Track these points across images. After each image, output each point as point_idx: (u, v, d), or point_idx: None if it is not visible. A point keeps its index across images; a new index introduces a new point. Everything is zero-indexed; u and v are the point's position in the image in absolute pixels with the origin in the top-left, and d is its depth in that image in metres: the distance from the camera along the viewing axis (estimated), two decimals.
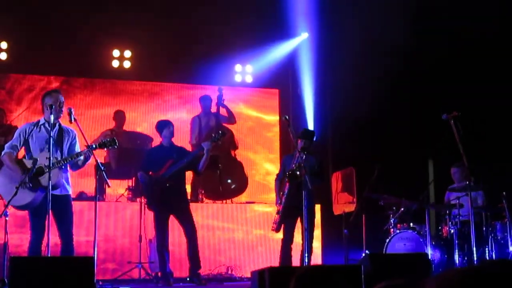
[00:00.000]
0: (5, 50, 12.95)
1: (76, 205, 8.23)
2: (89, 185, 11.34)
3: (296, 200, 9.26)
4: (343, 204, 12.14)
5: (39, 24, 12.60)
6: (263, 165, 14.13)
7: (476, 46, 12.08)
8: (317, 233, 11.44)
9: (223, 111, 12.88)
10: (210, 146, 9.63)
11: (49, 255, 7.51)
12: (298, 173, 9.34)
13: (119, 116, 12.76)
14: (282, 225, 9.72)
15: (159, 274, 9.83)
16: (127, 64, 13.43)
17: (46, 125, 8.03)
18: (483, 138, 11.79)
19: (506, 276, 2.71)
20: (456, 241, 9.86)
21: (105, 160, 12.01)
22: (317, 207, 10.99)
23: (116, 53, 13.38)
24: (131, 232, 10.93)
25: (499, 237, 10.14)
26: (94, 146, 7.87)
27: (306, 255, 9.00)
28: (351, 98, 12.42)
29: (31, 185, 7.76)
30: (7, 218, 7.67)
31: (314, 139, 9.99)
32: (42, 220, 7.75)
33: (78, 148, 8.18)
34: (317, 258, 11.38)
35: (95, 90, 13.66)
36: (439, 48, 12.30)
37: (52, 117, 7.90)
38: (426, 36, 12.38)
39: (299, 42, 13.55)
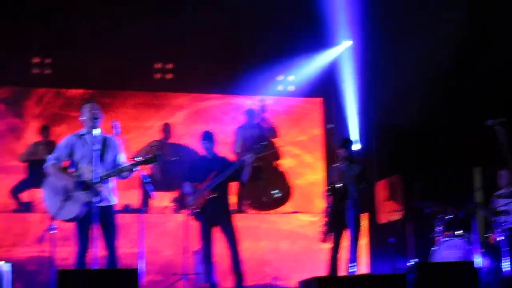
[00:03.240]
0: (49, 65, 13.12)
1: (121, 218, 8.26)
2: (134, 198, 11.40)
3: (342, 210, 9.21)
4: (389, 213, 12.04)
5: (83, 38, 12.73)
6: (307, 174, 14.06)
7: None
8: (364, 242, 11.35)
9: (265, 124, 12.86)
10: (253, 158, 9.62)
11: (94, 267, 7.55)
12: (338, 185, 9.31)
13: (167, 129, 12.84)
14: (329, 235, 9.67)
15: (205, 285, 9.82)
16: (169, 76, 13.51)
17: (89, 136, 8.10)
18: None
19: None
20: (505, 248, 9.70)
21: (150, 172, 12.07)
22: (363, 216, 10.90)
23: (158, 65, 13.46)
24: (176, 243, 10.95)
25: None
26: (136, 162, 7.90)
27: (353, 264, 8.93)
28: (396, 106, 12.33)
29: (76, 198, 7.81)
30: (53, 232, 7.72)
31: (355, 147, 9.92)
32: (88, 232, 7.81)
33: (122, 159, 8.22)
34: (363, 267, 11.29)
35: (139, 102, 13.75)
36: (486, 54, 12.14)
37: (94, 129, 7.98)
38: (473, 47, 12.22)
39: (342, 50, 13.49)
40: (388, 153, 12.92)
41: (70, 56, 12.99)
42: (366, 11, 12.45)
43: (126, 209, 11.72)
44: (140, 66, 13.36)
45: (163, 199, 11.85)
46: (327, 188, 9.75)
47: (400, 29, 12.23)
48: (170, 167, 11.89)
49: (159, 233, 11.28)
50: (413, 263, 9.59)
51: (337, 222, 9.51)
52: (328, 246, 9.76)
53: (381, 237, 11.82)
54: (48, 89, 13.55)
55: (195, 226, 9.88)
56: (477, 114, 10.27)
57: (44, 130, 12.54)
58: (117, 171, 7.97)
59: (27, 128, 13.43)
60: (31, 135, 13.25)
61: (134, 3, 12.52)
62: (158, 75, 13.54)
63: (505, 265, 9.62)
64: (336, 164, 9.64)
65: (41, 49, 13.10)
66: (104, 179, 7.89)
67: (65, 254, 9.75)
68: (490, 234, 10.42)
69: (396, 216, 11.59)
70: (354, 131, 13.08)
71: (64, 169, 8.17)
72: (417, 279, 7.40)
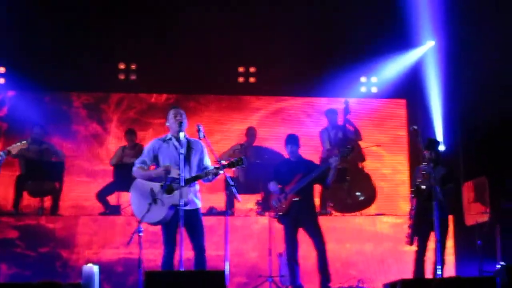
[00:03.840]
0: (135, 71, 13.38)
1: (206, 220, 8.36)
2: (219, 200, 11.50)
3: (427, 212, 9.11)
4: (476, 215, 11.83)
5: (165, 44, 12.95)
6: (392, 176, 13.96)
7: None
8: (450, 244, 11.20)
9: (349, 126, 12.81)
10: (338, 160, 9.60)
11: (182, 269, 7.66)
12: (423, 187, 9.23)
13: (251, 133, 12.88)
14: (415, 237, 9.58)
15: (290, 287, 9.84)
16: (253, 80, 13.62)
17: (174, 140, 8.23)
18: None
19: None
20: None
21: (234, 175, 12.16)
22: (450, 218, 10.75)
23: (241, 69, 13.58)
24: (261, 246, 11.00)
25: None
26: (222, 165, 7.97)
27: (439, 267, 8.82)
28: (481, 106, 12.16)
29: (162, 202, 7.95)
30: (140, 234, 7.86)
31: (441, 148, 9.80)
32: (174, 235, 7.94)
33: (207, 161, 8.32)
34: (450, 270, 11.14)
35: (222, 106, 13.90)
36: None
37: (180, 133, 8.10)
38: None
39: (426, 51, 13.35)
40: (474, 154, 12.71)
41: (155, 61, 13.22)
42: (448, 11, 12.31)
43: (211, 212, 11.83)
44: (223, 70, 13.51)
45: (247, 202, 11.91)
46: (412, 189, 9.66)
47: (482, 26, 12.04)
48: (254, 169, 11.93)
49: (244, 235, 11.34)
50: (501, 266, 9.43)
51: (423, 224, 9.42)
52: (413, 248, 9.67)
53: (468, 239, 11.63)
54: (133, 94, 13.82)
55: (279, 228, 9.92)
56: None
57: (130, 134, 12.75)
58: (203, 174, 8.06)
59: (111, 133, 13.73)
60: (115, 140, 13.55)
61: (217, 8, 12.63)
62: (241, 79, 13.66)
63: None
64: (421, 165, 9.54)
65: (126, 55, 13.36)
66: (190, 182, 7.99)
67: (152, 256, 9.92)
68: None
69: (484, 218, 11.39)
70: (439, 132, 12.93)
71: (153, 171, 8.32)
72: (505, 282, 7.27)
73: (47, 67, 12.98)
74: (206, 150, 8.34)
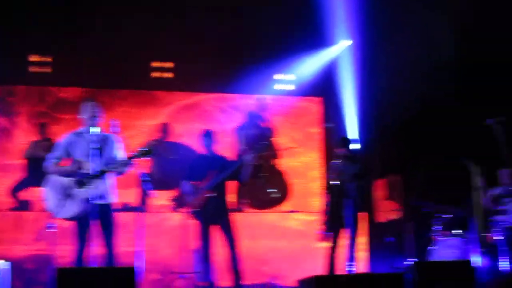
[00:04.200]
0: (49, 64, 13.14)
1: (120, 216, 8.28)
2: (133, 196, 11.40)
3: (340, 209, 9.22)
4: (388, 212, 12.05)
5: (81, 37, 12.73)
6: (306, 173, 14.06)
7: None
8: (362, 241, 11.36)
9: (264, 123, 12.86)
10: (253, 157, 9.64)
11: (93, 266, 7.58)
12: (336, 183, 9.34)
13: (165, 128, 12.82)
14: (328, 234, 9.68)
15: (203, 284, 9.82)
16: (169, 75, 13.52)
17: (87, 134, 8.13)
18: None
19: None
20: (502, 247, 9.72)
21: (149, 171, 12.08)
22: (363, 215, 10.90)
23: (157, 64, 13.47)
24: (175, 242, 10.96)
25: None
26: (131, 156, 7.94)
27: (351, 263, 8.94)
28: (396, 105, 12.35)
29: (75, 196, 7.85)
30: (52, 230, 7.74)
31: (354, 146, 9.95)
32: (87, 231, 7.84)
33: (120, 156, 8.24)
34: (362, 266, 11.30)
35: (138, 101, 13.74)
36: (484, 54, 12.14)
37: (92, 128, 8.01)
38: (472, 43, 12.23)
39: (342, 49, 13.49)
40: (387, 152, 12.93)
41: (69, 54, 13.00)
42: (365, 10, 12.46)
43: (125, 208, 11.71)
44: (138, 65, 13.36)
45: (161, 198, 11.85)
46: (325, 186, 9.76)
47: (397, 26, 12.23)
48: (168, 165, 11.88)
49: (157, 232, 11.29)
50: (411, 262, 9.61)
51: (336, 221, 9.53)
52: (326, 245, 9.77)
53: (379, 236, 11.84)
54: (45, 87, 13.55)
55: (194, 225, 9.90)
56: (477, 112, 10.27)
57: (41, 127, 12.54)
58: (113, 166, 7.99)
59: (22, 126, 13.44)
60: (27, 134, 13.27)
61: (134, 1, 12.51)
62: (156, 74, 13.54)
63: (503, 265, 9.64)
64: (334, 163, 9.65)
65: (40, 48, 13.10)
66: (100, 176, 7.91)
67: (64, 252, 9.75)
68: (488, 234, 10.44)
69: (395, 215, 11.61)
70: (353, 130, 13.08)
71: (64, 167, 8.19)
72: (415, 278, 7.41)
73: None
74: (119, 145, 8.26)
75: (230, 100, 14.02)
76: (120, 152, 8.26)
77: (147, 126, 13.37)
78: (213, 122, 13.53)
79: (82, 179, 7.87)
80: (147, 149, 8.02)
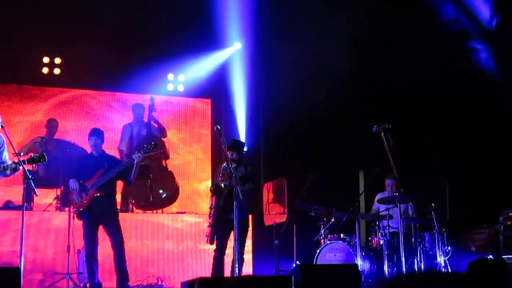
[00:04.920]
0: None
1: (2, 214, 8.06)
2: (16, 194, 11.12)
3: (227, 211, 9.25)
4: (274, 215, 12.15)
5: None
6: (195, 175, 14.05)
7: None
8: (248, 243, 11.41)
9: (154, 123, 12.78)
10: (141, 157, 9.57)
11: None
12: (222, 185, 9.37)
13: (52, 125, 12.52)
14: (215, 236, 9.68)
15: (88, 285, 9.68)
16: (57, 71, 13.24)
17: None
18: (411, 151, 12.01)
19: (433, 286, 2.73)
20: (386, 252, 9.96)
21: (33, 168, 11.79)
22: (249, 218, 10.96)
23: (46, 59, 13.18)
24: (59, 242, 10.75)
25: (427, 248, 10.28)
26: (22, 161, 7.72)
27: (237, 265, 8.97)
28: (284, 109, 12.48)
29: None
30: None
31: (244, 149, 10.01)
32: None
33: (6, 155, 8.01)
34: (248, 268, 11.35)
35: (24, 96, 13.40)
36: (374, 62, 12.41)
37: None
38: (363, 50, 12.49)
39: (232, 52, 13.54)
40: (274, 156, 13.07)
41: None
42: (256, 13, 12.54)
43: (8, 206, 11.41)
44: (27, 59, 13.04)
45: (46, 196, 11.58)
46: (211, 188, 9.77)
47: (288, 32, 12.37)
48: (54, 163, 11.62)
49: (42, 231, 11.02)
50: (296, 265, 9.74)
51: (223, 223, 9.54)
52: (213, 247, 9.78)
53: (266, 239, 11.92)
54: None
55: (79, 224, 9.74)
56: (367, 119, 10.48)
57: None
58: (1, 169, 7.76)
59: None
60: None
61: None
62: (45, 69, 13.24)
63: (386, 268, 9.88)
64: (222, 165, 9.68)
65: None
66: None
67: None
68: (373, 238, 10.68)
69: (282, 218, 11.72)
70: (242, 132, 13.15)
71: None
72: (300, 281, 7.49)
73: None
74: (5, 143, 8.02)
75: (121, 99, 13.87)
76: (5, 151, 8.03)
77: (33, 123, 13.06)
78: (102, 120, 13.36)
79: None
80: (40, 156, 7.84)
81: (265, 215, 12.52)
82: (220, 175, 9.57)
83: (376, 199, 11.07)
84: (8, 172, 7.82)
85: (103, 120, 13.48)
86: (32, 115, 13.25)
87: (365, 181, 12.99)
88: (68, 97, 13.68)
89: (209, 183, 12.93)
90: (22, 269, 7.75)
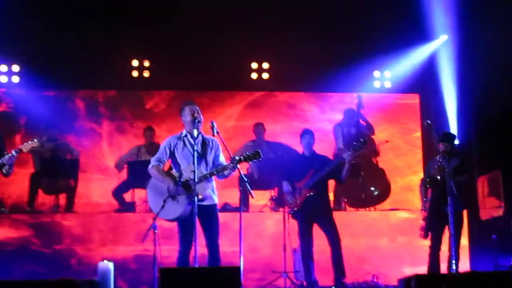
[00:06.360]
0: (148, 68, 13.42)
1: (221, 216, 8.35)
2: (233, 196, 11.49)
3: (442, 205, 9.09)
4: (491, 209, 11.81)
5: (179, 41, 12.94)
6: (406, 170, 13.93)
7: None
8: (465, 238, 11.16)
9: (363, 121, 12.80)
10: (352, 155, 9.60)
11: (197, 266, 7.67)
12: (438, 177, 9.21)
13: (259, 128, 12.85)
14: (429, 231, 9.56)
15: (304, 283, 9.85)
16: (266, 76, 13.62)
17: (189, 137, 8.21)
18: None
19: None
20: None
21: (248, 171, 12.17)
22: (464, 212, 10.71)
23: (254, 65, 13.58)
24: (275, 241, 11.00)
25: None
26: (238, 159, 7.95)
27: (454, 262, 8.80)
28: (496, 100, 12.10)
29: (178, 198, 7.95)
30: (155, 231, 7.87)
31: (456, 142, 9.79)
32: (190, 231, 7.91)
33: (222, 158, 8.29)
34: (464, 265, 11.10)
35: (235, 102, 13.89)
36: None
37: (195, 131, 8.08)
38: None
39: (439, 45, 13.30)
40: (488, 147, 12.67)
41: (168, 58, 13.23)
42: (461, 4, 12.26)
43: (225, 208, 11.83)
44: (236, 66, 13.50)
45: (261, 198, 11.91)
46: (425, 180, 9.63)
47: (495, 19, 11.98)
48: (267, 165, 11.93)
49: (258, 231, 11.36)
50: None
51: (437, 218, 9.40)
52: (428, 243, 9.65)
53: (483, 233, 11.61)
54: (148, 91, 13.85)
55: (294, 224, 9.92)
56: None
57: (148, 131, 12.78)
58: (218, 170, 8.04)
59: (129, 130, 13.76)
60: (131, 138, 13.57)
61: (230, 4, 12.60)
62: (254, 75, 13.65)
63: None
64: (435, 158, 9.52)
65: (139, 52, 13.39)
66: (205, 179, 7.98)
67: (167, 253, 9.91)
68: None
69: (499, 212, 11.37)
70: (452, 125, 12.88)
71: (167, 171, 8.32)
72: None
73: (62, 66, 12.98)
74: (220, 147, 8.32)
75: (329, 99, 14.02)
76: (221, 155, 8.32)
77: (245, 127, 13.45)
78: (312, 121, 13.56)
79: (186, 182, 7.95)
80: (254, 152, 8.03)
81: (481, 209, 12.19)
82: (435, 167, 9.44)
83: None
84: (226, 173, 8.08)
85: (312, 120, 13.68)
86: (244, 120, 13.67)
87: None
88: (277, 101, 14.01)
89: (420, 178, 12.78)
90: (242, 268, 8.01)
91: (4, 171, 8.39)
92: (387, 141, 12.76)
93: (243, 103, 13.95)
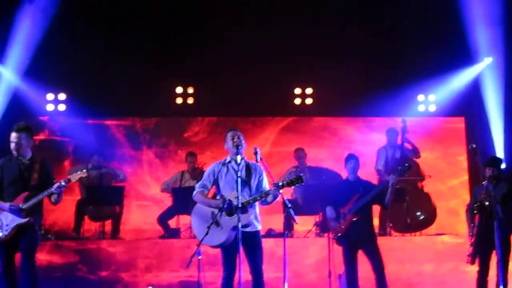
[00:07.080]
0: (192, 95, 13.53)
1: (265, 242, 8.34)
2: (277, 222, 11.49)
3: (489, 230, 8.97)
4: None
5: (222, 67, 13.03)
6: (452, 195, 13.79)
7: None
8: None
9: (407, 145, 12.72)
10: (396, 179, 9.53)
11: None
12: (487, 203, 9.10)
13: (300, 154, 12.84)
14: (477, 257, 9.44)
15: None
16: (309, 101, 13.65)
17: (233, 163, 8.24)
18: None
19: None
20: None
21: (292, 197, 12.15)
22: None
23: (298, 90, 13.62)
24: (320, 267, 10.95)
25: None
26: (281, 184, 7.94)
27: (502, 287, 8.67)
28: None
29: (222, 225, 7.96)
30: (199, 257, 7.89)
31: (503, 166, 9.67)
32: (234, 257, 7.91)
33: (266, 184, 8.29)
34: None
35: (279, 128, 13.91)
36: None
37: (238, 156, 8.10)
38: None
39: (483, 67, 13.21)
40: None
41: (212, 84, 13.33)
42: (505, 26, 12.19)
43: (270, 234, 11.82)
44: (280, 92, 13.54)
45: (305, 223, 11.88)
46: (473, 205, 9.52)
47: None
48: (311, 191, 11.91)
49: (303, 257, 11.32)
50: None
51: (484, 243, 9.28)
52: (475, 268, 9.53)
53: None
54: (191, 118, 13.95)
55: (338, 249, 9.87)
56: None
57: (190, 156, 12.84)
58: (262, 195, 8.03)
59: (169, 157, 13.87)
60: (175, 164, 13.66)
61: (273, 31, 12.66)
62: (297, 100, 13.68)
63: None
64: (482, 183, 9.40)
65: (182, 79, 13.52)
66: (248, 205, 7.98)
67: (212, 279, 9.94)
68: None
69: None
70: (499, 149, 12.74)
71: (212, 197, 8.34)
72: None
73: (106, 94, 13.18)
74: (264, 173, 8.33)
75: (371, 123, 13.98)
76: (264, 181, 8.32)
77: (287, 153, 13.44)
78: (355, 146, 13.52)
79: (230, 208, 7.96)
80: (297, 177, 8.01)
81: None
82: (483, 192, 9.33)
83: None
84: (269, 199, 8.07)
85: (356, 145, 13.64)
86: (287, 146, 13.68)
87: None
88: (320, 126, 14.01)
89: (466, 202, 12.66)
90: None
91: (52, 199, 8.48)
92: (429, 176, 12.69)
93: (286, 128, 13.96)
